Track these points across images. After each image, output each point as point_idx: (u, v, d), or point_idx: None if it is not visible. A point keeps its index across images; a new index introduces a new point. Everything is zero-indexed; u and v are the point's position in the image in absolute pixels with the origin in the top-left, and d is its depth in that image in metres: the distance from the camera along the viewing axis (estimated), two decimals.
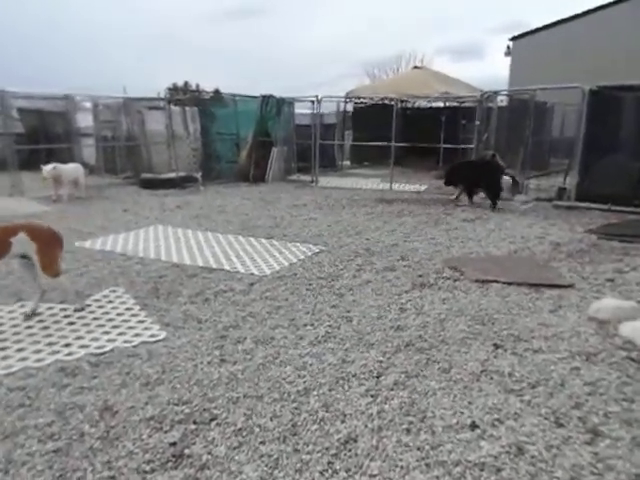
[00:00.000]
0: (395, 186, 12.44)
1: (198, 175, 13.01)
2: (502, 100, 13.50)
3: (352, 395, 2.93)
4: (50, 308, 4.30)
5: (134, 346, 3.58)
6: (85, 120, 15.88)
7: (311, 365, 3.28)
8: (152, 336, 3.74)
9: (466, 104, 16.40)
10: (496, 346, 3.61)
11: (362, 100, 18.42)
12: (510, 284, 4.99)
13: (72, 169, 10.60)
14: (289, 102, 14.71)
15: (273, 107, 14.03)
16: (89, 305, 4.38)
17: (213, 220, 8.45)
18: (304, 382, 3.06)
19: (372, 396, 2.92)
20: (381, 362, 3.32)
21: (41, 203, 9.97)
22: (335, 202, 10.36)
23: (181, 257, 6.02)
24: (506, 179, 10.16)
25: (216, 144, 13.92)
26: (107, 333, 3.81)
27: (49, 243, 4.06)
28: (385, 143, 12.94)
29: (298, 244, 6.69)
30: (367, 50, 55.54)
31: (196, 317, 4.14)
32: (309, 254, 6.18)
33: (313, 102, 14.03)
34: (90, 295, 4.64)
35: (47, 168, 9.88)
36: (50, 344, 3.60)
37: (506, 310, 4.32)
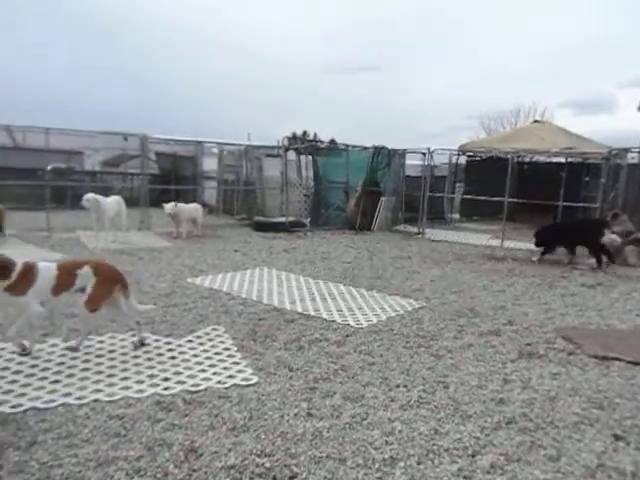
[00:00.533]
0: (506, 243, 11.81)
1: (306, 220, 13.41)
2: (634, 157, 12.44)
3: (442, 473, 2.69)
4: (157, 340, 4.55)
5: (226, 388, 3.63)
6: (210, 164, 17.25)
7: (400, 432, 3.09)
8: (244, 380, 3.78)
9: (590, 160, 15.37)
10: (616, 437, 3.15)
11: (476, 153, 18.03)
12: (636, 364, 4.40)
13: (192, 209, 11.45)
14: (400, 153, 14.80)
15: (384, 158, 14.20)
16: (191, 341, 4.57)
17: (316, 266, 8.57)
18: (391, 450, 2.88)
19: (465, 477, 2.66)
20: (478, 439, 3.04)
21: (163, 238, 10.84)
22: (441, 256, 10.05)
23: (282, 301, 6.12)
24: (612, 237, 9.21)
25: (326, 191, 14.32)
26: (203, 371, 3.92)
27: (106, 280, 4.22)
28: (498, 198, 12.46)
29: (398, 298, 6.52)
30: (484, 102, 54.77)
31: (288, 364, 4.13)
32: (409, 309, 5.99)
33: (424, 154, 13.99)
34: (193, 331, 4.85)
35: (168, 206, 10.76)
36: (151, 376, 3.78)
37: (630, 395, 3.79)
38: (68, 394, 3.42)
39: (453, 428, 3.16)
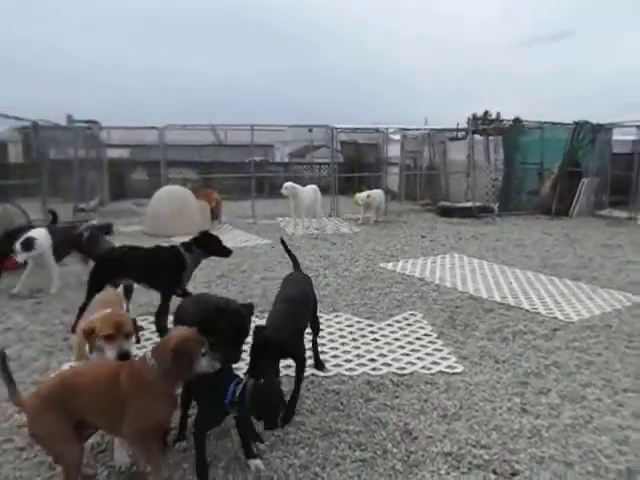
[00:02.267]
0: None
1: (495, 206, 12.71)
2: None
3: None
4: (359, 322, 4.77)
5: (432, 374, 3.64)
6: (393, 150, 17.38)
7: (636, 442, 2.75)
8: (449, 367, 3.75)
9: None
10: None
11: None
12: None
13: (378, 195, 11.68)
14: (607, 128, 13.07)
15: (587, 134, 12.69)
16: (391, 325, 4.69)
17: (510, 253, 8.08)
18: (627, 461, 2.59)
19: None
20: None
21: (352, 224, 11.28)
22: None
23: (477, 289, 5.92)
24: None
25: (518, 174, 13.37)
26: (407, 355, 3.99)
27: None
28: None
29: (612, 291, 5.81)
30: None
31: (494, 356, 3.98)
32: (628, 304, 5.30)
33: (638, 127, 12.16)
34: (392, 315, 4.97)
35: (362, 196, 11.13)
36: (358, 356, 3.98)
37: None
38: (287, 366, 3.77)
39: None
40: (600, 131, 12.79)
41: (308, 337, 3.61)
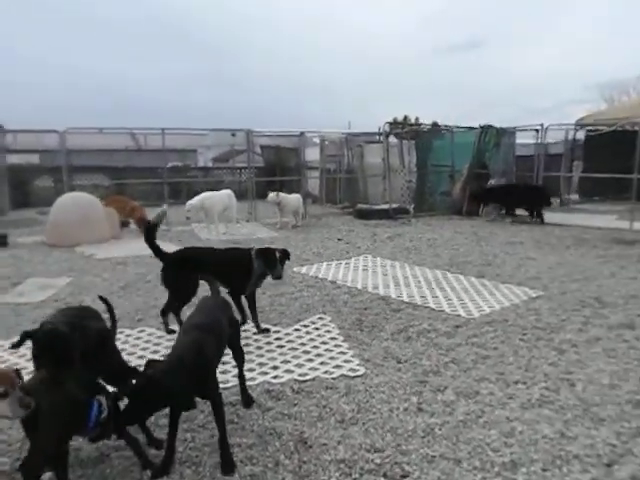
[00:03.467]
0: (637, 225, 10.59)
1: (410, 207, 13.09)
2: None
3: None
4: (265, 330, 4.65)
5: (333, 378, 3.60)
6: (313, 154, 17.47)
7: (521, 433, 2.84)
8: (351, 370, 3.73)
9: None
10: None
11: (597, 127, 16.37)
12: None
13: (294, 199, 11.64)
14: (510, 132, 13.88)
15: (492, 138, 13.40)
16: (298, 330, 4.62)
17: (422, 253, 8.31)
18: (511, 453, 2.65)
19: None
20: (614, 446, 2.71)
21: (270, 229, 11.17)
22: (558, 241, 9.27)
23: (387, 290, 6.00)
24: None
25: (430, 176, 13.86)
26: (311, 361, 3.93)
27: None
28: (624, 175, 11.21)
29: (512, 286, 6.10)
30: (600, 72, 49.63)
31: (396, 356, 4.01)
32: (524, 298, 5.57)
33: (537, 131, 13.01)
34: (300, 320, 4.90)
35: (271, 195, 11.06)
36: (261, 364, 3.86)
37: None
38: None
39: (583, 432, 2.85)
40: (504, 134, 13.55)
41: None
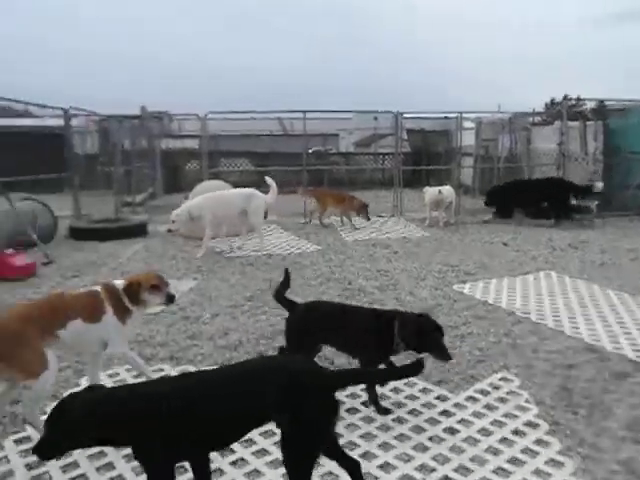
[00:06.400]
0: None
1: (593, 205, 10.61)
2: None
3: None
4: (425, 391, 3.28)
5: None
6: (466, 139, 15.44)
7: None
8: None
9: None
10: None
11: None
12: None
13: (450, 192, 9.97)
14: None
15: None
16: (473, 399, 3.16)
17: (624, 271, 6.24)
18: None
19: None
20: None
21: (418, 226, 9.68)
22: None
23: (595, 334, 4.22)
24: None
25: (625, 166, 11.10)
26: (503, 474, 2.47)
27: None
28: None
29: None
30: None
31: None
32: None
33: None
34: (474, 377, 3.44)
35: (432, 191, 9.49)
36: (426, 452, 2.52)
37: None
38: None
39: None
40: None
41: None
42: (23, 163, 9.83)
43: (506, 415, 2.97)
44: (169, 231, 7.37)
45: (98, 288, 3.03)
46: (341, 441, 2.43)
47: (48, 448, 1.79)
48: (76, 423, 1.74)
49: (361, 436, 2.77)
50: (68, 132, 10.37)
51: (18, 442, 2.75)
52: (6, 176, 7.24)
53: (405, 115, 11.88)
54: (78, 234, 8.48)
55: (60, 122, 10.55)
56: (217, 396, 1.93)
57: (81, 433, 1.77)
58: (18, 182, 8.09)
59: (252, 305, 5.02)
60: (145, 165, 14.38)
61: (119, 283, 3.07)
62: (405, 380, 3.29)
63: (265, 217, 8.54)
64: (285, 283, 3.34)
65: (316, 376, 2.05)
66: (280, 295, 3.30)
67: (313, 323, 3.15)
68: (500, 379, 3.43)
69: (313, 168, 14.11)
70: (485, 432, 2.80)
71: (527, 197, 9.97)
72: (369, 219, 9.60)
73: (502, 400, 3.15)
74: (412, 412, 3.03)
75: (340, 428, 2.69)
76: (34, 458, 2.56)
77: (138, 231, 8.58)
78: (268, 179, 7.72)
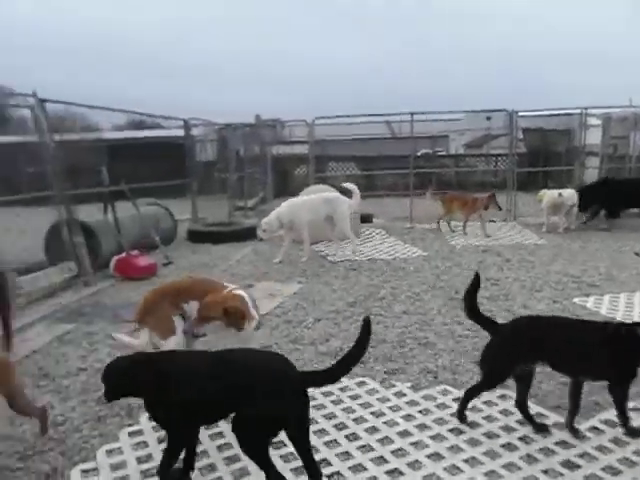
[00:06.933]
0: None
1: None
2: None
3: None
4: (542, 416, 2.99)
5: None
6: (591, 137, 14.14)
7: None
8: None
9: None
10: None
11: None
12: None
13: (571, 195, 9.15)
14: None
15: None
16: (596, 429, 2.82)
17: None
18: None
19: None
20: None
21: (533, 232, 9.02)
22: None
23: None
24: None
25: None
26: None
27: None
28: None
29: None
30: None
31: None
32: None
33: None
34: (601, 407, 3.07)
35: (551, 194, 8.81)
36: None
37: None
38: None
39: None
40: None
41: None
42: (152, 170, 10.75)
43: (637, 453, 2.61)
44: (260, 240, 7.76)
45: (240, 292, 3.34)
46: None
47: (106, 395, 2.43)
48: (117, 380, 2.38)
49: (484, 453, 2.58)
50: (189, 141, 11.14)
51: (132, 435, 2.94)
52: (135, 182, 7.94)
53: (520, 113, 11.15)
54: (195, 237, 9.05)
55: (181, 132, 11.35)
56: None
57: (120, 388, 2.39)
58: (146, 188, 8.84)
59: (354, 311, 4.96)
60: (257, 170, 15.01)
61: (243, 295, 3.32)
62: (511, 402, 3.01)
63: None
64: (473, 292, 3.03)
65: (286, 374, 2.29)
66: (475, 311, 3.00)
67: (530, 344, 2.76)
68: (631, 409, 3.03)
69: (421, 171, 13.80)
70: (613, 471, 2.47)
71: None
72: (500, 208, 9.12)
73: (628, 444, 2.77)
74: (523, 439, 2.77)
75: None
76: (145, 452, 2.73)
77: (248, 234, 8.92)
78: (349, 184, 7.66)
